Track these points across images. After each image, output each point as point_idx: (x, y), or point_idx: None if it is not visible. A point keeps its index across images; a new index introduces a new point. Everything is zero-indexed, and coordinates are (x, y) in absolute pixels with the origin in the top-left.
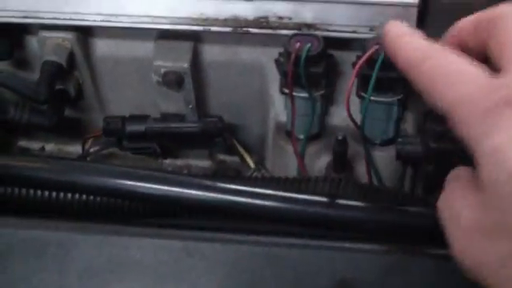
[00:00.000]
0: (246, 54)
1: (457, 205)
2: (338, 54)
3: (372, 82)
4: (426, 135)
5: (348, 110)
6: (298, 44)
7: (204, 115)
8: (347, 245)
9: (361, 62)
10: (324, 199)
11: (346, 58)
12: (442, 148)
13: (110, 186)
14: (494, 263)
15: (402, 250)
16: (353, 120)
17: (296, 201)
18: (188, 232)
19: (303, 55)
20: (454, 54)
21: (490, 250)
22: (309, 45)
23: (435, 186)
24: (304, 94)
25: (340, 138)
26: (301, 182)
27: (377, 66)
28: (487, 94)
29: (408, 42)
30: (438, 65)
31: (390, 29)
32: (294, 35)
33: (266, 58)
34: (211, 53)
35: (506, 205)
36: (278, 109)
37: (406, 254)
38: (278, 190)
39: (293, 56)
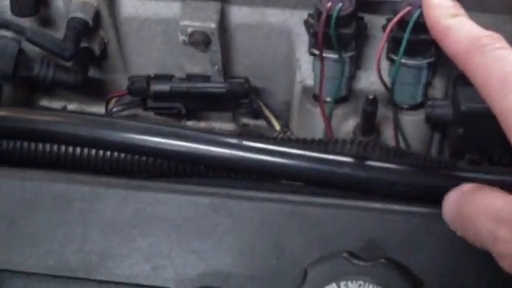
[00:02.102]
0: (275, 16)
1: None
2: (368, 18)
3: (404, 44)
4: (456, 98)
5: (379, 71)
6: (329, 3)
7: (230, 77)
8: (375, 205)
9: (392, 23)
10: (352, 160)
11: (376, 21)
12: (472, 110)
13: (136, 142)
14: None
15: (430, 212)
16: (383, 83)
17: (323, 161)
18: (214, 189)
19: (334, 15)
20: (503, 41)
21: None
22: (340, 4)
23: (464, 150)
24: (334, 56)
25: (371, 97)
26: (328, 144)
27: (408, 29)
28: None
29: (455, 31)
30: (489, 62)
31: (430, 14)
32: None
33: (294, 20)
34: (239, 14)
35: None
36: (305, 72)
37: (434, 215)
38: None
39: (324, 15)
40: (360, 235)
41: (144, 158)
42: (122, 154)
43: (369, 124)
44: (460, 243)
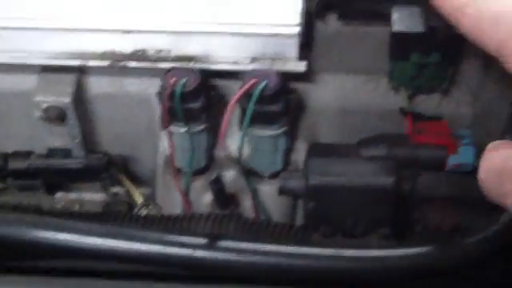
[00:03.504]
0: (133, 85)
1: (503, 154)
2: (224, 84)
3: (247, 117)
4: (307, 171)
5: (223, 143)
6: (173, 79)
7: (92, 148)
8: None
9: (235, 98)
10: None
11: (234, 86)
12: (321, 184)
13: None
14: None
15: None
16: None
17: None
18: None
19: (178, 91)
20: None
21: None
22: (184, 80)
23: (317, 223)
24: (183, 129)
25: (213, 178)
26: (182, 220)
27: (252, 102)
28: None
29: None
30: (481, 7)
31: None
32: (171, 70)
33: (154, 89)
34: (97, 85)
35: None
36: (166, 142)
37: None
38: (154, 230)
39: (167, 91)
40: None
41: None
42: None
43: (222, 199)
44: None
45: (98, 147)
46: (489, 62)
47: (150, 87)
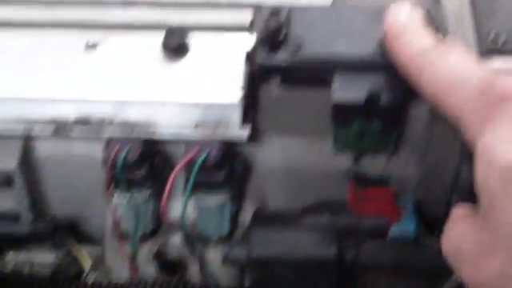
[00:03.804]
0: (80, 148)
1: (458, 231)
2: (169, 148)
3: (189, 187)
4: (249, 241)
5: (164, 213)
6: (114, 149)
7: (42, 210)
8: None
9: (176, 169)
10: None
11: (180, 150)
12: (263, 256)
13: None
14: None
15: None
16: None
17: None
18: None
19: (120, 161)
20: (453, 54)
21: (489, 269)
22: (126, 150)
23: None
24: (127, 196)
25: (155, 250)
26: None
27: (193, 171)
28: (485, 93)
29: (406, 45)
30: (437, 70)
31: (388, 28)
32: (112, 140)
33: (100, 152)
34: (44, 149)
35: (500, 207)
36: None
37: None
38: None
39: (109, 162)
40: None
41: None
42: None
43: (167, 267)
44: None
45: (47, 209)
46: (435, 123)
47: (97, 150)
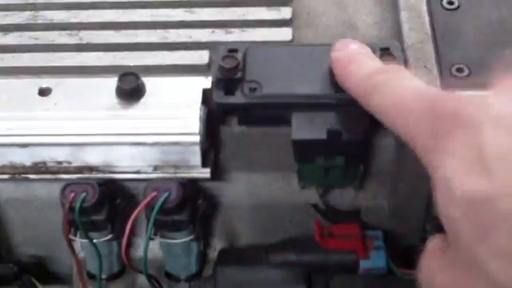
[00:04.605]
0: (42, 190)
1: (432, 263)
2: (131, 186)
3: (149, 229)
4: (216, 278)
5: (125, 254)
6: (71, 195)
7: (8, 251)
8: None
9: (135, 213)
10: None
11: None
12: None
13: None
14: None
15: None
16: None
17: None
18: None
19: (77, 206)
20: (401, 74)
21: None
22: (83, 195)
23: None
24: (88, 239)
25: None
26: None
27: (153, 214)
28: (435, 111)
29: (353, 71)
30: (385, 91)
31: (335, 59)
32: (68, 185)
33: None
34: (5, 192)
35: (466, 242)
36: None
37: None
38: None
39: (66, 207)
40: None
41: None
42: None
43: None
44: None
45: (12, 250)
46: (403, 153)
47: (58, 191)
